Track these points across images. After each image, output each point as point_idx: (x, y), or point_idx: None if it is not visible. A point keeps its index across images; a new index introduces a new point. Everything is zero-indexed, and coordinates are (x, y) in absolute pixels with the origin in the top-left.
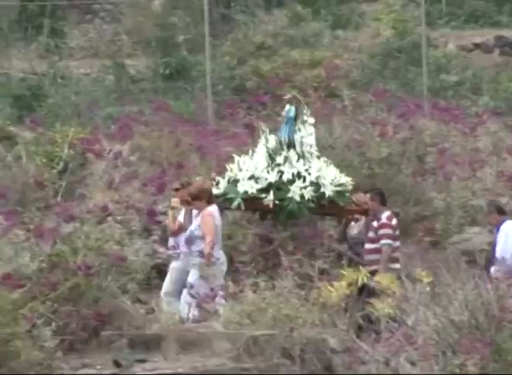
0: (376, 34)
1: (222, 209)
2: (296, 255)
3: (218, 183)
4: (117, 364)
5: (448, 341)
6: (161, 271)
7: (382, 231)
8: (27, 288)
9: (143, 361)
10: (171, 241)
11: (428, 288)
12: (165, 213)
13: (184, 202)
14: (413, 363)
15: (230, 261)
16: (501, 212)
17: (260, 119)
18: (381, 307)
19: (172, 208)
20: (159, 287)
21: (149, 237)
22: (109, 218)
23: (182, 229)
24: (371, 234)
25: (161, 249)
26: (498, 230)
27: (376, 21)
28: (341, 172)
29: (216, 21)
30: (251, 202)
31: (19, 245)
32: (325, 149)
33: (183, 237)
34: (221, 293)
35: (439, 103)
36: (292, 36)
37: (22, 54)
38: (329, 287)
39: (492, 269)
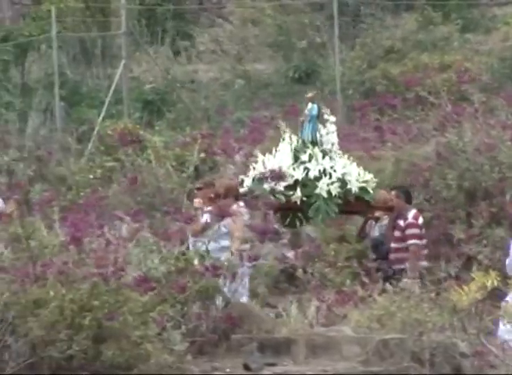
0: (506, 38)
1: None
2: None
3: (242, 183)
4: (247, 367)
5: None
6: (290, 275)
7: (409, 231)
8: (157, 291)
9: (272, 364)
10: (190, 241)
11: None
12: None
13: (210, 200)
14: None
15: (359, 265)
16: None
17: (390, 123)
18: None
19: (196, 208)
20: (288, 291)
21: (278, 241)
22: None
23: (205, 229)
24: (397, 234)
25: (290, 253)
26: None
27: (506, 25)
28: (471, 176)
29: (346, 25)
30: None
31: (147, 248)
32: (455, 153)
33: (203, 237)
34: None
35: None
36: (421, 40)
37: (151, 58)
38: (459, 291)
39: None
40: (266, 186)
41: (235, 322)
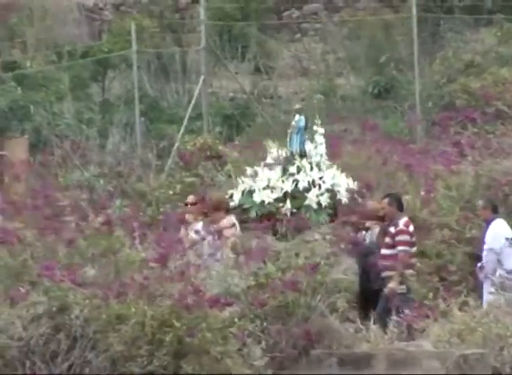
0: None
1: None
2: None
3: (231, 196)
4: None
5: None
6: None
7: (399, 237)
8: (237, 307)
9: None
10: None
11: None
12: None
13: (201, 215)
14: None
15: (440, 279)
16: (495, 211)
17: (469, 137)
18: None
19: (187, 223)
20: None
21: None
22: (317, 237)
23: (194, 244)
24: (387, 240)
25: None
26: (488, 226)
27: None
28: None
29: (425, 40)
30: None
31: (228, 264)
32: None
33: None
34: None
35: None
36: (501, 54)
37: (231, 73)
38: None
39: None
40: (256, 198)
41: (314, 337)
